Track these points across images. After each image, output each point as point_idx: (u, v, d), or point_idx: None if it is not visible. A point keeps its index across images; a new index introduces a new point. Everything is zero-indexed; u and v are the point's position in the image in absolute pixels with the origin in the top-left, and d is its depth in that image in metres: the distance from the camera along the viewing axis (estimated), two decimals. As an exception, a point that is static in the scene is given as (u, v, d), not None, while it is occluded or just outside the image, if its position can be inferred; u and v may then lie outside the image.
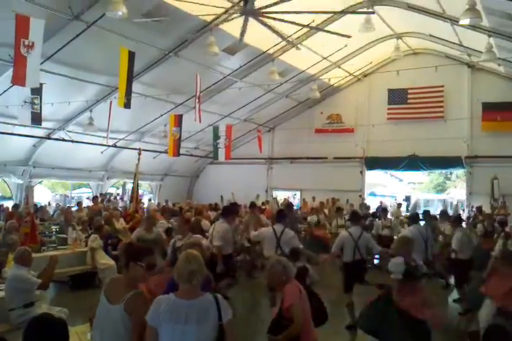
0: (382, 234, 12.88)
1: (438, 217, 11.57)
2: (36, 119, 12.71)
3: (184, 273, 3.26)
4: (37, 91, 12.03)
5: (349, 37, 11.96)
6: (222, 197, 18.41)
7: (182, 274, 3.27)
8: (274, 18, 10.38)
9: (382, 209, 14.47)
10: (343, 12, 13.60)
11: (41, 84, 11.18)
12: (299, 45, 14.23)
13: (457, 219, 9.61)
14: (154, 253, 3.75)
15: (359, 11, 12.17)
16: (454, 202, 25.15)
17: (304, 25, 11.97)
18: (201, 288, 3.37)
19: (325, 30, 12.84)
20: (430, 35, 16.03)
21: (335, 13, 13.68)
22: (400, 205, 19.19)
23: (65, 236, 11.68)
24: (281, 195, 22.03)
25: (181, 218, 9.17)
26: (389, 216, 14.40)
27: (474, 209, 16.18)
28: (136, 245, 4.40)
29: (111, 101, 13.82)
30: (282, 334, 4.05)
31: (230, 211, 8.61)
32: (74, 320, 5.58)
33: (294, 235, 7.69)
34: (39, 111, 12.54)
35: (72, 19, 10.54)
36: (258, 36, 12.80)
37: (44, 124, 14.02)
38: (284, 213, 8.18)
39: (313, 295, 5.91)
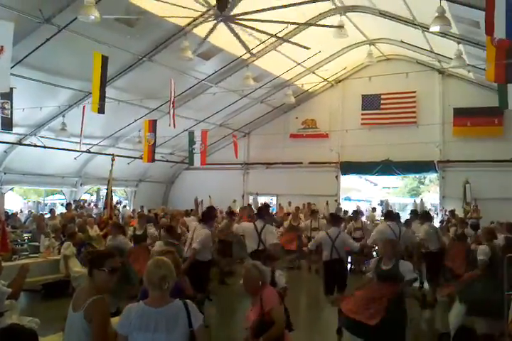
0: (354, 236, 12.87)
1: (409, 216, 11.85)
2: (7, 125, 12.48)
3: (154, 278, 3.20)
4: (7, 96, 11.81)
5: (308, 48, 12.33)
6: (201, 201, 18.19)
7: (152, 280, 3.21)
8: (246, 26, 10.55)
9: (354, 212, 14.54)
10: (313, 24, 13.85)
11: (11, 89, 10.95)
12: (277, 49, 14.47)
13: (424, 216, 9.97)
14: (115, 256, 3.68)
15: (328, 24, 12.43)
16: (428, 206, 25.45)
17: (271, 35, 12.27)
18: (173, 295, 3.32)
19: (289, 41, 13.18)
20: (402, 42, 16.31)
21: (306, 24, 13.92)
22: (374, 209, 19.35)
23: (37, 244, 11.44)
24: (261, 200, 22.01)
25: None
26: (364, 219, 14.50)
27: (448, 213, 16.42)
28: (95, 251, 4.32)
29: (84, 107, 13.64)
30: (263, 337, 4.05)
31: (210, 216, 8.60)
32: (46, 330, 5.44)
33: (274, 231, 7.82)
34: (10, 117, 12.30)
35: (43, 22, 10.40)
36: (232, 41, 12.86)
37: (15, 130, 13.76)
38: (265, 210, 8.27)
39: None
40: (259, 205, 12.00)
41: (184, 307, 3.21)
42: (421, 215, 10.41)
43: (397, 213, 10.80)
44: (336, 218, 8.47)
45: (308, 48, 12.50)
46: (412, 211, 13.28)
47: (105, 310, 3.35)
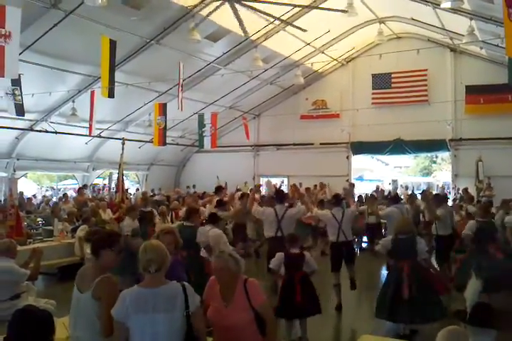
0: (368, 221, 12.73)
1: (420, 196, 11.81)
2: (19, 111, 12.54)
3: (143, 261, 3.22)
4: (16, 82, 11.83)
5: (304, 31, 12.13)
6: (218, 177, 18.49)
7: (142, 262, 3.23)
8: (252, 7, 10.49)
9: (371, 196, 14.20)
10: (319, 8, 13.58)
11: (19, 75, 10.97)
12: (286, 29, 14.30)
13: (441, 198, 9.83)
14: (121, 237, 3.77)
15: (333, 8, 12.20)
16: (440, 185, 25.36)
17: (275, 17, 12.14)
18: (173, 277, 3.35)
19: (290, 23, 12.99)
20: (412, 19, 16.03)
21: (312, 8, 13.70)
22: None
23: (51, 228, 11.62)
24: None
25: None
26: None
27: (461, 191, 16.34)
28: (104, 231, 4.37)
29: (92, 91, 13.65)
30: (268, 334, 3.66)
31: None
32: (62, 311, 5.55)
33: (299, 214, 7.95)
34: (21, 103, 12.36)
35: (50, 7, 10.36)
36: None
37: (26, 116, 13.82)
38: (285, 194, 8.35)
39: (310, 286, 6.01)
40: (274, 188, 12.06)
41: (182, 289, 3.21)
42: (437, 197, 10.12)
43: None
44: (337, 198, 8.38)
45: (305, 30, 12.33)
46: (422, 192, 13.19)
47: (114, 288, 3.38)
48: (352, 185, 16.78)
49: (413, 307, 5.86)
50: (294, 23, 14.69)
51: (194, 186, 21.03)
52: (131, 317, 3.09)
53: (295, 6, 12.66)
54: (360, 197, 15.91)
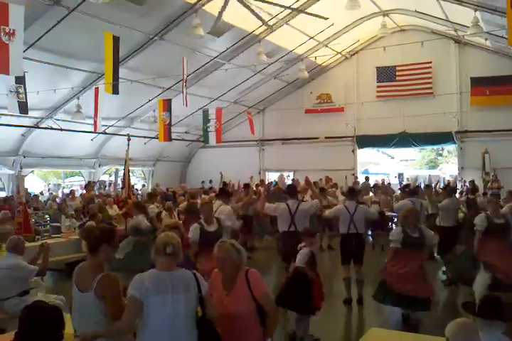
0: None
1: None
2: (23, 108, 12.54)
3: (160, 244, 3.31)
4: (20, 80, 11.85)
5: (326, 18, 11.94)
6: (221, 173, 18.59)
7: (158, 247, 3.31)
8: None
9: (374, 186, 14.35)
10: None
11: (24, 73, 11.00)
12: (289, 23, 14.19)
13: (449, 189, 9.86)
14: (116, 232, 3.81)
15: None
16: (447, 178, 25.23)
17: (285, 7, 11.96)
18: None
19: (306, 12, 12.81)
20: (416, 11, 15.93)
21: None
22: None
23: (58, 224, 11.69)
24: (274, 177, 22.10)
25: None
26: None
27: (467, 183, 16.30)
28: (103, 227, 4.39)
29: (96, 88, 13.67)
30: (269, 325, 3.66)
31: (225, 192, 8.91)
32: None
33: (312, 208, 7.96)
34: (25, 100, 12.37)
35: (53, 4, 10.38)
36: (244, 17, 12.70)
37: (31, 113, 13.87)
38: (296, 189, 8.39)
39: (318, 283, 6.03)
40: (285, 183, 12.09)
41: (193, 275, 3.36)
42: (447, 189, 10.22)
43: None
44: (352, 192, 8.42)
45: (326, 18, 12.14)
46: (426, 185, 13.09)
47: (116, 284, 3.41)
48: (367, 179, 16.85)
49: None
50: (297, 17, 14.73)
51: (211, 181, 20.52)
52: (150, 297, 3.16)
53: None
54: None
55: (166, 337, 3.18)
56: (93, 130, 15.06)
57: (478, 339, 2.89)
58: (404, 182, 19.34)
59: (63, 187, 26.11)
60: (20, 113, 12.68)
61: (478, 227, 7.45)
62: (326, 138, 20.21)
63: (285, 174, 21.91)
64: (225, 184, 12.22)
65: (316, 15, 11.73)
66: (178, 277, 3.29)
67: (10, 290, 5.59)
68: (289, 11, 13.97)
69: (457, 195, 13.07)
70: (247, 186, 12.13)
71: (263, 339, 3.64)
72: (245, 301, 3.61)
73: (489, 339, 2.98)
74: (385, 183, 19.51)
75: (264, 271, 8.72)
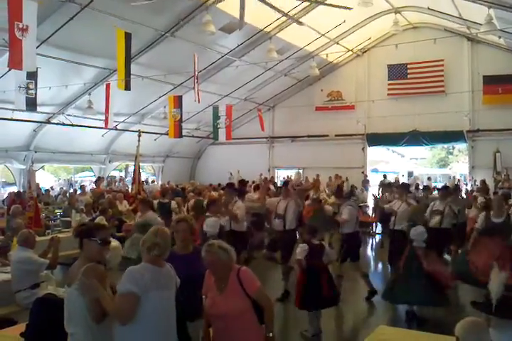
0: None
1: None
2: (31, 105, 12.54)
3: (149, 243, 3.33)
4: (32, 76, 11.91)
5: (350, 9, 11.72)
6: (231, 173, 18.59)
7: (146, 243, 3.35)
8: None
9: (383, 185, 14.24)
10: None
11: (36, 69, 11.07)
12: (301, 20, 14.07)
13: (443, 192, 9.73)
14: (107, 229, 3.81)
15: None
16: (457, 177, 25.08)
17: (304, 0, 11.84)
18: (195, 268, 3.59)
19: (326, 4, 12.65)
20: (429, 9, 15.81)
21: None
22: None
23: (68, 219, 11.77)
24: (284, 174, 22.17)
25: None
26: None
27: (478, 182, 16.19)
28: (87, 223, 4.40)
29: (108, 84, 13.73)
30: (267, 320, 3.66)
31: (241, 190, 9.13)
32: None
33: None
34: (34, 97, 12.39)
35: (65, 1, 10.43)
36: (255, 14, 12.66)
37: (43, 109, 13.97)
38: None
39: (331, 276, 6.05)
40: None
41: (173, 270, 3.48)
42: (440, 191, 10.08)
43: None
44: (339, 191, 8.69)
45: (350, 8, 11.97)
46: (424, 186, 13.01)
47: (99, 274, 3.30)
48: (385, 176, 16.72)
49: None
50: (309, 14, 14.67)
51: (238, 172, 20.07)
52: (150, 292, 3.15)
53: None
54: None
55: (163, 332, 3.22)
56: (104, 126, 15.13)
57: (488, 338, 2.88)
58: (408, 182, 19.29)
59: (71, 183, 26.25)
60: (26, 109, 12.70)
61: (477, 226, 7.48)
62: (335, 135, 20.16)
63: (294, 172, 22.00)
64: (242, 181, 12.16)
65: (338, 6, 11.51)
66: (166, 273, 3.36)
67: (21, 283, 5.65)
68: (302, 6, 13.91)
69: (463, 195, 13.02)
70: (258, 187, 12.13)
71: (262, 336, 3.62)
72: (239, 299, 3.59)
73: (504, 338, 2.98)
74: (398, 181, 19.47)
75: (271, 268, 8.89)
